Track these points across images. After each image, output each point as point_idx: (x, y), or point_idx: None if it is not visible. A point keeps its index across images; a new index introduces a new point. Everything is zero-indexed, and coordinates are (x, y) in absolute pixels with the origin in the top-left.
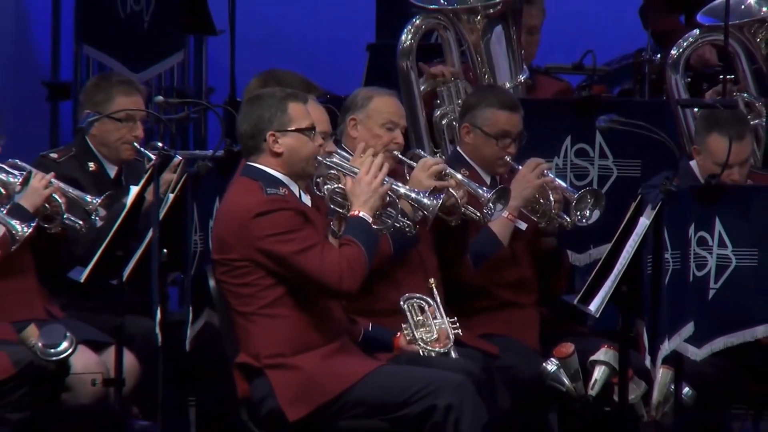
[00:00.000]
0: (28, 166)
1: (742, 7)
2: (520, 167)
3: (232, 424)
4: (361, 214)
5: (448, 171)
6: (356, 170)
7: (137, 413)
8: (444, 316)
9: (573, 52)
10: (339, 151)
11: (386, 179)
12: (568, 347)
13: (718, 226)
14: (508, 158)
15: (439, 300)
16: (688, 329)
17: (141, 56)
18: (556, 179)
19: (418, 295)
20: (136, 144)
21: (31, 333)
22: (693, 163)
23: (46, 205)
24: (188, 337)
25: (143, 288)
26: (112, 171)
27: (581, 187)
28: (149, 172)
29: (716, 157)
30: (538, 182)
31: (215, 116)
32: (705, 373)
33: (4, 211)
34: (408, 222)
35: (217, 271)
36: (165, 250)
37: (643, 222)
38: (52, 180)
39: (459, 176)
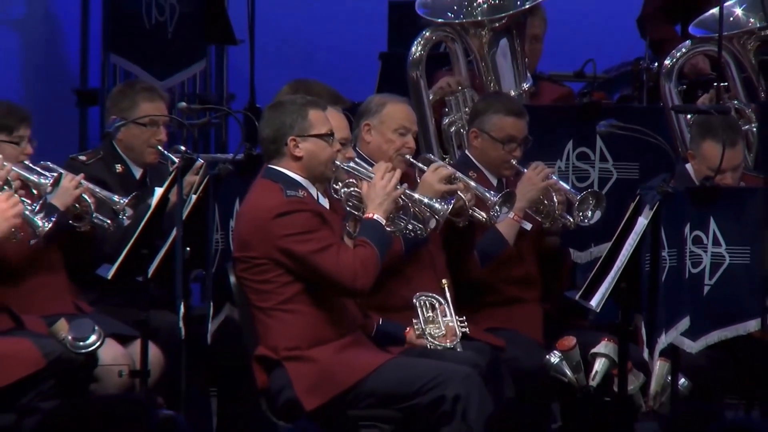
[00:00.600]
0: (59, 168)
1: (731, 18)
2: (526, 170)
3: (251, 414)
4: (375, 217)
5: (457, 175)
6: (372, 175)
7: (162, 403)
8: (453, 314)
9: (575, 61)
10: (356, 158)
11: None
12: (570, 340)
13: (713, 226)
14: (513, 161)
15: (450, 299)
16: (684, 323)
17: (165, 65)
18: (559, 181)
19: (431, 293)
20: (160, 147)
21: (62, 327)
22: (689, 166)
23: (76, 205)
24: (210, 330)
25: (167, 284)
26: (137, 173)
27: (583, 189)
28: (173, 174)
29: (710, 163)
30: (542, 184)
31: (235, 121)
32: (700, 365)
33: (37, 208)
34: (419, 225)
35: (237, 268)
36: (188, 248)
37: (642, 222)
38: (82, 181)
39: (468, 180)
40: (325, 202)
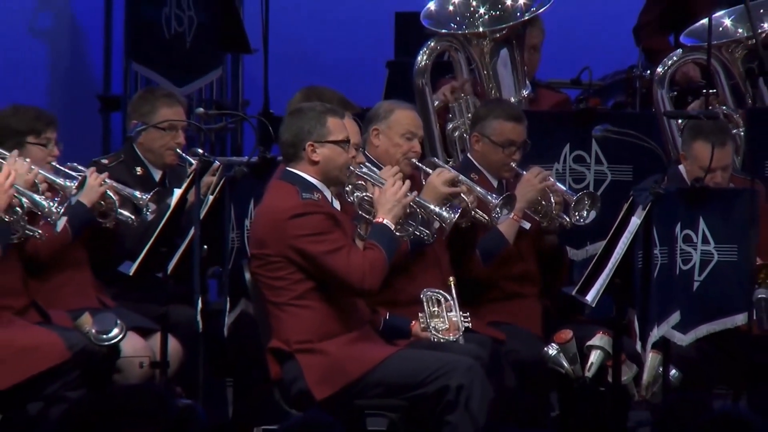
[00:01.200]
0: (84, 169)
1: (720, 29)
2: (525, 172)
3: (265, 403)
4: (385, 221)
5: (460, 178)
6: (383, 182)
7: (180, 392)
8: (458, 310)
9: (571, 69)
10: (367, 163)
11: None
12: (567, 333)
13: (702, 225)
14: (513, 164)
15: (455, 296)
16: (675, 317)
17: (184, 72)
18: (557, 183)
19: (438, 290)
20: (178, 150)
21: (86, 320)
22: (682, 168)
23: (102, 202)
24: (226, 324)
25: (186, 280)
26: (157, 175)
27: (579, 190)
28: (191, 176)
29: (701, 162)
30: (540, 186)
31: (250, 126)
32: (690, 357)
33: (62, 209)
34: (426, 231)
35: (252, 265)
36: (205, 246)
37: (635, 221)
38: (106, 179)
39: (470, 183)
40: (337, 205)
